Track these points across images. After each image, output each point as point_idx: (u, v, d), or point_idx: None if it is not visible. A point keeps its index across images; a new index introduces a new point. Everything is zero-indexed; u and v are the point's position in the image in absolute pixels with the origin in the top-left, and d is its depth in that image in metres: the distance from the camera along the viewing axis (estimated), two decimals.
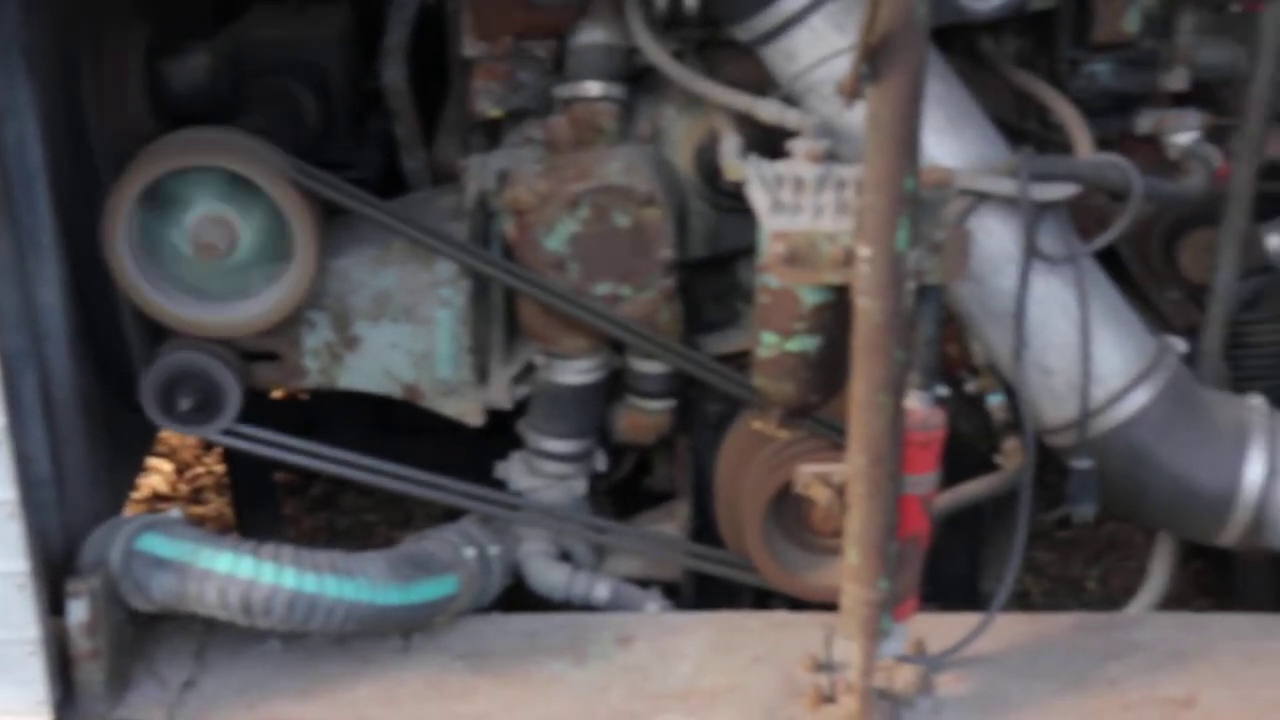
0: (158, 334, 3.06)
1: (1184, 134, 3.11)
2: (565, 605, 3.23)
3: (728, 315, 3.29)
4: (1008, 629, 3.00)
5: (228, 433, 3.10)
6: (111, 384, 3.08)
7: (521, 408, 3.28)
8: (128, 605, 2.84)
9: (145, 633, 2.99)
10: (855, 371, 2.49)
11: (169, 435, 3.91)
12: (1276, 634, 3.08)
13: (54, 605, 2.74)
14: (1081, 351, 2.87)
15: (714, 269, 3.29)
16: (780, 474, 2.99)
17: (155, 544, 2.81)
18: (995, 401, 3.03)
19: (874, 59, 2.28)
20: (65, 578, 2.76)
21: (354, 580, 2.88)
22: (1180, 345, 3.04)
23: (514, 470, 3.31)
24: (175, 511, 3.33)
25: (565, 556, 3.29)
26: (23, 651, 2.69)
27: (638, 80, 3.15)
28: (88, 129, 2.97)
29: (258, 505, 3.89)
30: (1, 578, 2.66)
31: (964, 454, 3.12)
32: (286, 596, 2.80)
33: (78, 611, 2.73)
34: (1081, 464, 2.93)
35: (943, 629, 2.92)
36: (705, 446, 3.31)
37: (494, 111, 3.16)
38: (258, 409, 3.20)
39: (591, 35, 3.09)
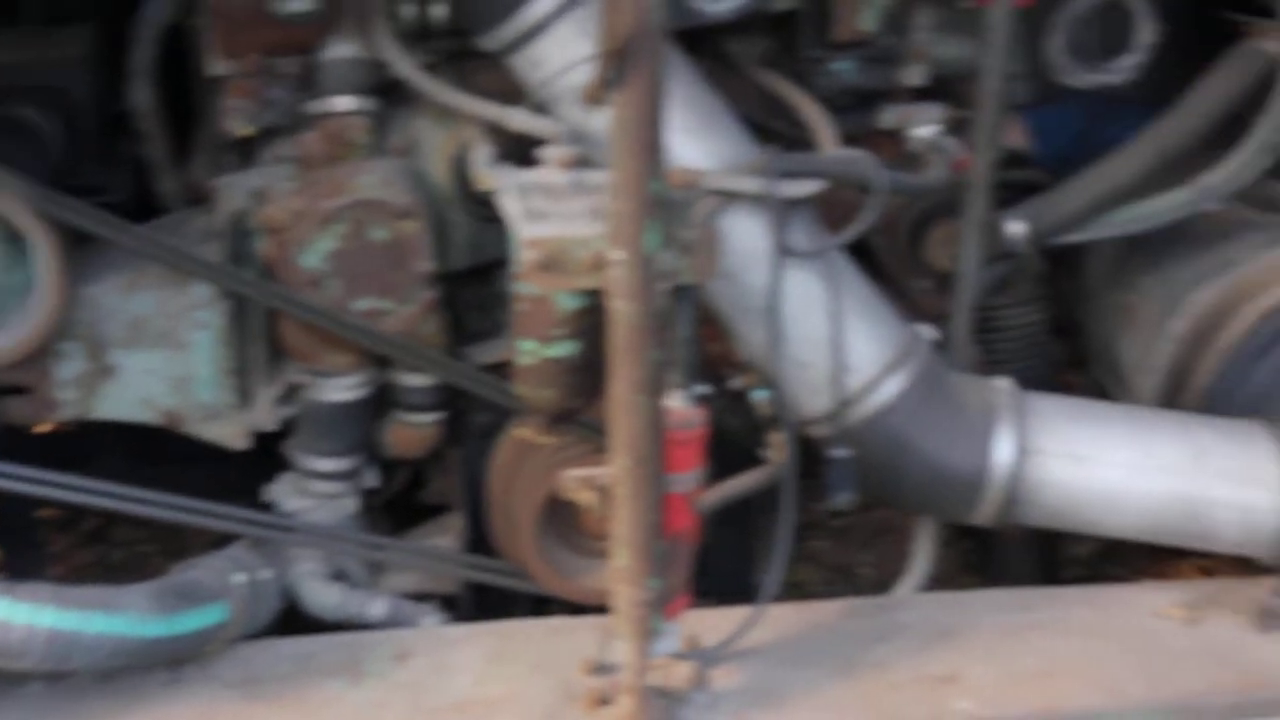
0: None
1: (924, 127, 3.22)
2: (342, 625, 3.21)
3: (492, 325, 3.31)
4: (780, 619, 3.03)
5: None
6: None
7: (288, 428, 3.26)
8: None
9: None
10: (614, 374, 2.52)
11: None
12: (1033, 606, 3.16)
13: None
14: (834, 343, 2.94)
15: (476, 279, 3.30)
16: (549, 480, 3.00)
17: None
18: (759, 397, 3.03)
19: (614, 64, 2.30)
20: None
21: (116, 615, 2.81)
22: (930, 333, 3.13)
23: (283, 492, 3.29)
24: None
25: (340, 576, 3.27)
26: None
27: (390, 93, 3.16)
28: None
29: (21, 544, 3.80)
30: None
31: (732, 450, 3.12)
32: (44, 636, 2.72)
33: None
34: (839, 453, 2.99)
35: (717, 624, 2.95)
36: (476, 457, 3.32)
37: (245, 130, 3.13)
38: (18, 444, 3.12)
39: (339, 50, 3.09)
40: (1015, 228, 3.21)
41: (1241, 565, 3.22)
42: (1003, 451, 3.04)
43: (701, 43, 3.16)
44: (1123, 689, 2.92)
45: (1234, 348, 3.26)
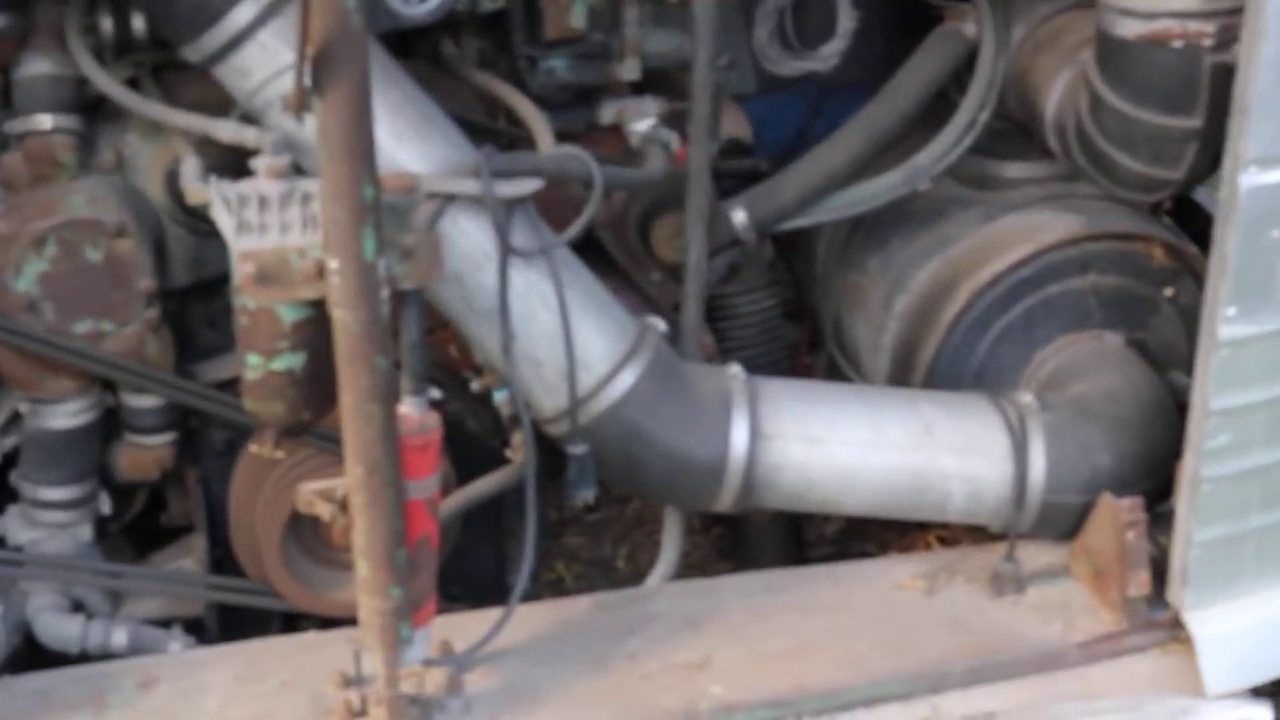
0: None
1: (642, 121, 3.26)
2: (84, 657, 3.15)
3: (223, 340, 3.27)
4: (532, 618, 3.07)
5: None
6: None
7: (12, 459, 3.23)
8: None
9: None
10: (342, 383, 2.54)
11: None
12: (780, 588, 3.23)
13: None
14: (565, 340, 2.94)
15: (202, 294, 3.27)
16: (289, 495, 2.94)
17: None
18: (500, 397, 3.08)
19: (316, 70, 2.33)
20: None
21: None
22: (661, 325, 3.15)
23: (12, 524, 3.24)
24: None
25: (78, 607, 3.23)
26: None
27: (95, 108, 3.12)
28: None
29: None
30: None
31: (479, 451, 3.22)
32: None
33: None
34: (576, 449, 3.02)
35: (470, 627, 2.98)
36: (215, 476, 3.32)
37: None
38: None
39: (36, 66, 3.04)
40: (738, 216, 3.28)
41: (978, 534, 3.29)
42: (738, 438, 3.08)
43: (414, 46, 3.22)
44: (866, 663, 3.00)
45: (954, 323, 3.36)
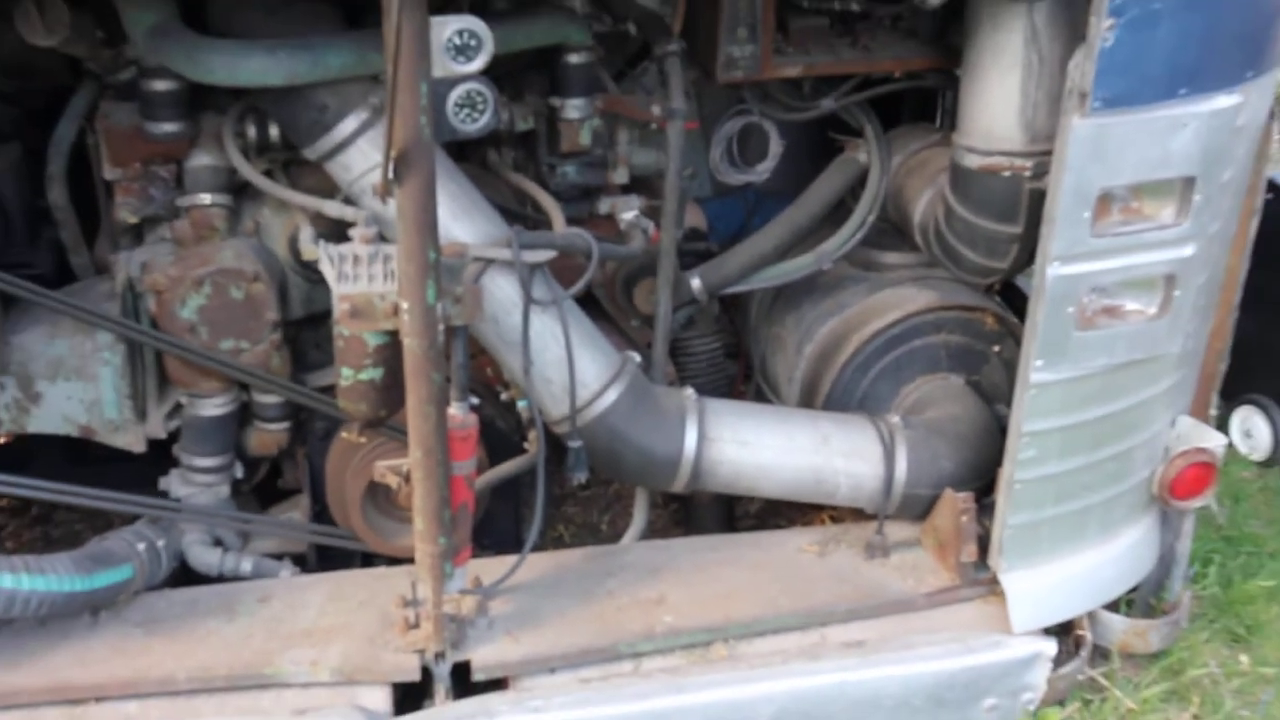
0: None
1: (628, 212, 3.26)
2: (220, 578, 3.19)
3: (325, 357, 3.22)
4: (539, 564, 3.13)
5: None
6: None
7: (175, 436, 3.22)
8: None
9: None
10: (408, 391, 2.61)
11: None
12: (718, 548, 3.29)
13: None
14: (569, 366, 2.94)
15: (312, 324, 3.25)
16: (369, 469, 2.99)
17: None
18: (521, 405, 3.09)
19: (397, 168, 2.40)
20: None
21: (44, 576, 2.81)
22: (637, 357, 3.16)
23: (174, 482, 3.26)
24: None
25: (218, 542, 3.24)
26: None
27: (241, 190, 3.11)
28: None
29: None
30: None
31: (505, 443, 3.25)
32: None
33: None
34: (574, 443, 3.04)
35: (494, 568, 3.04)
36: (317, 454, 3.31)
37: (132, 218, 3.09)
38: None
39: (201, 159, 3.05)
40: (695, 282, 3.33)
41: (858, 515, 3.33)
42: (690, 440, 3.11)
43: (467, 153, 3.21)
44: (776, 602, 3.06)
45: (845, 365, 3.37)
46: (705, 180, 3.53)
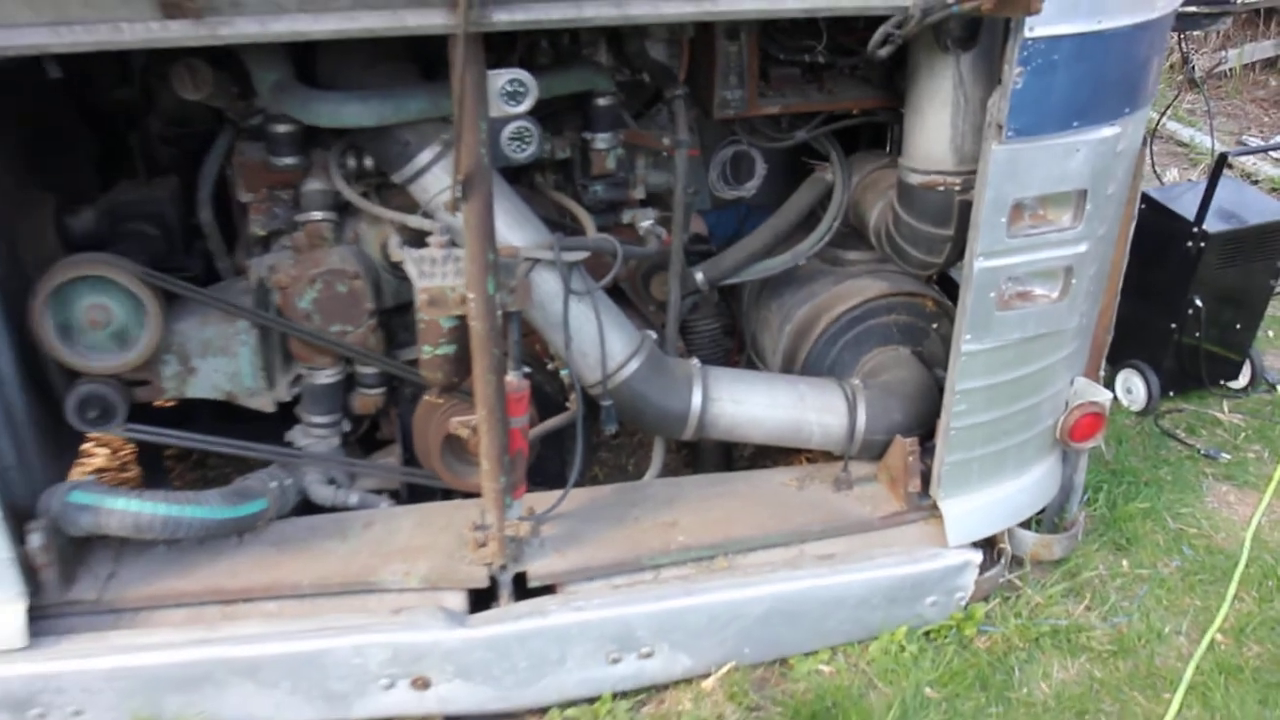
0: (73, 375, 2.94)
1: (645, 221, 3.27)
2: (333, 509, 3.22)
3: (410, 337, 3.15)
4: (579, 497, 3.18)
5: (125, 429, 2.99)
6: (50, 406, 2.96)
7: (297, 399, 3.24)
8: (68, 534, 2.81)
9: (84, 548, 2.95)
10: (474, 363, 2.68)
11: None
12: (718, 484, 3.32)
13: (20, 538, 2.71)
14: (600, 341, 3.00)
15: (400, 311, 3.23)
16: (445, 423, 3.05)
17: (79, 496, 2.79)
18: (564, 373, 3.16)
19: (464, 188, 2.46)
20: (27, 522, 2.73)
21: (202, 507, 2.91)
22: (653, 335, 3.19)
23: (297, 435, 3.28)
24: (91, 478, 3.35)
25: (331, 481, 3.26)
26: (4, 566, 2.68)
27: (344, 208, 3.11)
28: (22, 259, 2.95)
29: (154, 469, 3.72)
30: None
31: (551, 403, 3.28)
32: (161, 519, 2.83)
33: (35, 540, 2.73)
34: (606, 403, 3.08)
35: (545, 500, 3.10)
36: (406, 412, 3.31)
37: (262, 232, 3.12)
38: (148, 414, 3.12)
39: (313, 185, 3.06)
40: (698, 275, 3.35)
41: (828, 457, 3.36)
42: (696, 399, 3.15)
43: (519, 176, 3.19)
44: (764, 524, 3.12)
45: (817, 340, 3.39)
46: (705, 196, 3.53)
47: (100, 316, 2.86)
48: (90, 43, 2.12)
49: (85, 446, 3.94)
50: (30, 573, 2.75)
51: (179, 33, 2.14)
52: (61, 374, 2.95)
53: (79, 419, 2.95)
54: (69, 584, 2.85)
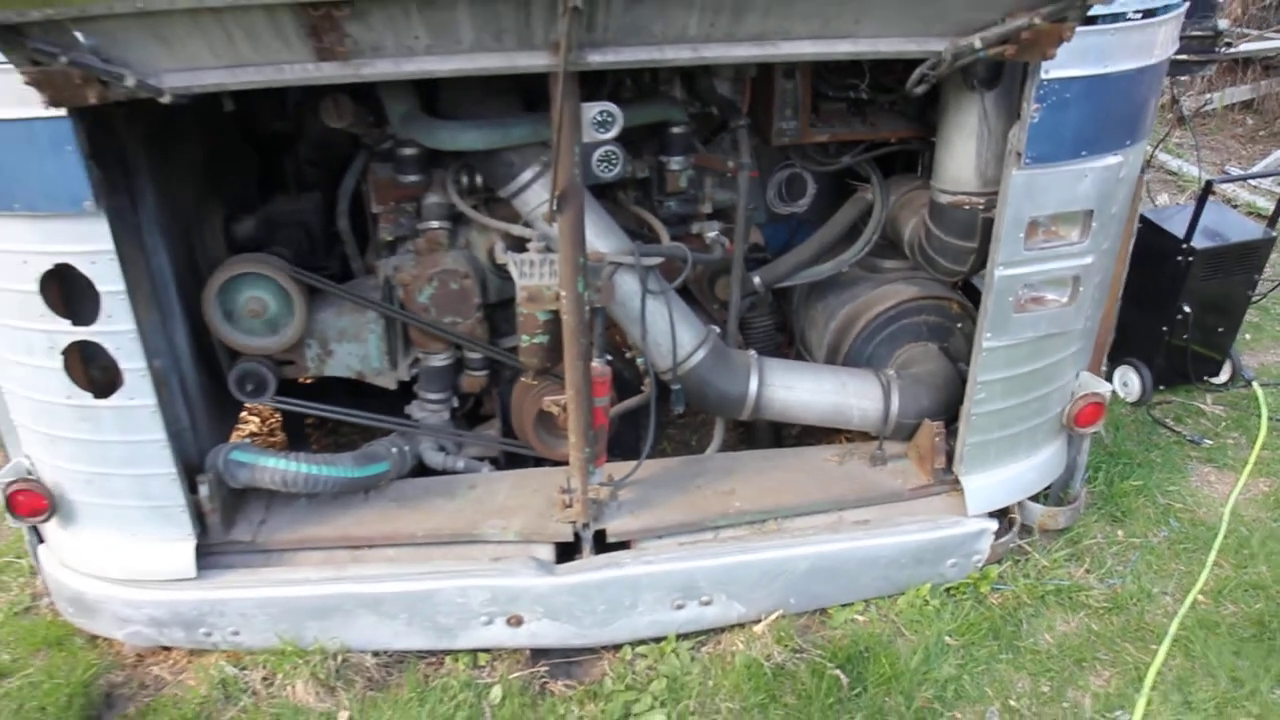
0: (234, 355, 3.01)
1: (711, 232, 3.29)
2: (443, 472, 3.24)
3: (510, 328, 3.18)
4: (651, 467, 3.18)
5: (275, 400, 3.06)
6: (215, 380, 3.02)
7: (415, 379, 3.24)
8: (229, 486, 2.89)
9: (241, 498, 3.02)
10: (565, 351, 2.69)
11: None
12: (770, 458, 3.31)
13: (193, 488, 2.79)
14: (671, 334, 2.99)
15: (502, 306, 3.21)
16: (538, 402, 3.08)
17: (238, 455, 2.87)
18: (640, 361, 3.12)
19: (559, 202, 2.46)
20: (197, 475, 2.81)
21: (336, 467, 2.96)
22: (716, 330, 3.17)
23: (415, 409, 3.27)
24: (247, 440, 3.48)
25: (442, 449, 3.27)
26: (179, 511, 2.76)
27: (458, 218, 3.11)
28: (195, 258, 3.00)
29: (296, 435, 3.77)
30: (164, 478, 2.69)
31: (629, 386, 3.25)
32: (304, 476, 2.89)
33: (203, 491, 2.80)
34: (676, 386, 3.06)
35: (622, 469, 3.11)
36: (506, 391, 3.33)
37: (389, 238, 3.12)
38: (294, 388, 3.20)
39: (432, 198, 3.06)
40: (755, 279, 3.33)
41: (866, 437, 3.35)
42: (753, 385, 3.13)
43: (604, 192, 3.18)
44: (808, 493, 3.12)
45: (858, 336, 3.36)
46: (762, 211, 3.51)
47: (258, 306, 2.92)
48: (259, 81, 2.19)
49: (241, 414, 3.99)
50: (199, 517, 2.83)
51: (330, 72, 2.20)
52: (225, 353, 3.01)
53: (239, 391, 3.02)
54: (229, 528, 2.93)
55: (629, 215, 3.26)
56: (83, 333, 2.49)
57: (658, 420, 3.09)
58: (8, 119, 2.22)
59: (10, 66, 2.07)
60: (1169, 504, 3.62)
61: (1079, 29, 2.31)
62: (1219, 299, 4.09)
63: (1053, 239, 2.77)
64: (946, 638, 3.01)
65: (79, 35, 2.00)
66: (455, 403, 3.35)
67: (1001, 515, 3.18)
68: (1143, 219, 3.85)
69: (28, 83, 2.04)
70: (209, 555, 2.87)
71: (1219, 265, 4.01)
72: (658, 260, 2.98)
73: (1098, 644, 3.04)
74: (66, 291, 2.50)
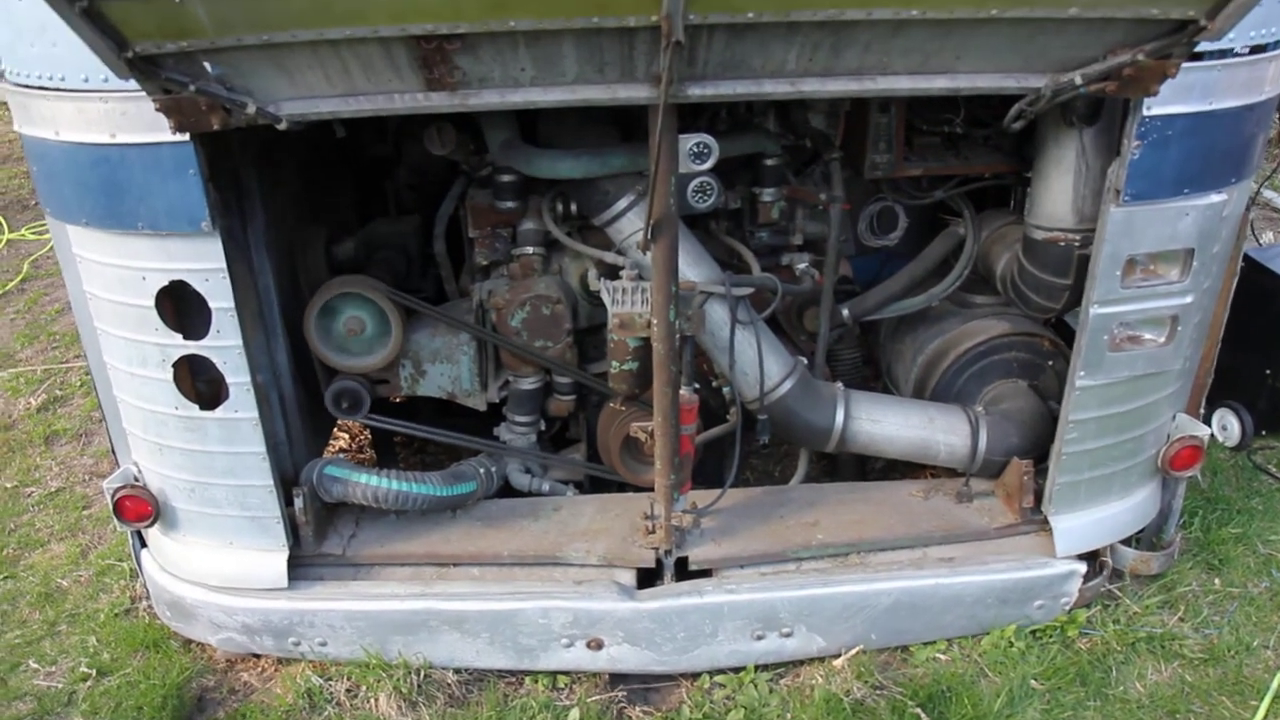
0: (331, 373, 3.09)
1: (801, 264, 3.31)
2: (529, 494, 3.29)
3: (600, 354, 3.23)
4: (734, 496, 3.18)
5: (368, 418, 3.11)
6: (312, 396, 3.08)
7: (504, 401, 3.28)
8: (322, 500, 2.96)
9: (332, 512, 3.09)
10: (655, 378, 2.72)
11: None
12: (854, 490, 3.30)
13: (288, 500, 2.87)
14: (759, 364, 2.99)
15: (593, 332, 3.26)
16: (626, 427, 3.12)
17: (332, 470, 2.94)
18: (726, 390, 3.15)
19: (653, 231, 2.50)
20: (292, 488, 2.89)
21: (425, 485, 3.00)
22: (804, 360, 3.18)
23: (503, 431, 3.32)
24: (341, 456, 3.51)
25: (528, 470, 3.32)
26: (274, 523, 2.84)
27: (552, 245, 3.16)
28: (298, 279, 3.10)
29: (386, 452, 3.81)
30: (262, 490, 2.77)
31: (714, 414, 3.26)
32: (394, 493, 2.94)
33: (298, 503, 2.88)
34: (761, 417, 3.06)
35: (706, 497, 3.11)
36: (593, 416, 3.35)
37: (484, 262, 3.18)
38: (386, 407, 3.25)
39: (528, 224, 3.14)
40: (844, 311, 3.31)
41: (952, 473, 3.30)
42: (839, 417, 3.14)
43: (696, 222, 3.20)
44: (893, 528, 3.09)
45: (946, 371, 3.33)
46: (852, 243, 3.51)
47: (356, 326, 3.00)
48: (371, 110, 2.28)
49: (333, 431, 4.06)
50: (293, 529, 2.91)
51: (438, 102, 2.29)
52: (324, 371, 3.09)
53: (335, 408, 3.10)
54: (320, 540, 3.00)
55: (720, 245, 3.28)
56: (193, 347, 2.59)
57: (742, 450, 3.09)
58: (136, 143, 2.35)
59: (140, 95, 2.20)
60: (1271, 554, 3.52)
61: (1184, 65, 2.29)
62: None
63: (1151, 277, 2.74)
64: (1032, 681, 2.96)
65: (207, 65, 2.11)
66: (542, 425, 3.37)
67: (1091, 558, 3.13)
68: (1246, 258, 3.76)
69: (158, 109, 2.16)
70: (300, 566, 2.95)
71: None
72: (748, 290, 3.00)
73: (1192, 696, 2.97)
74: (178, 306, 2.61)
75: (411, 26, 2.05)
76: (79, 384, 4.88)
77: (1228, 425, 4.15)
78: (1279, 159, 6.77)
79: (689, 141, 2.69)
